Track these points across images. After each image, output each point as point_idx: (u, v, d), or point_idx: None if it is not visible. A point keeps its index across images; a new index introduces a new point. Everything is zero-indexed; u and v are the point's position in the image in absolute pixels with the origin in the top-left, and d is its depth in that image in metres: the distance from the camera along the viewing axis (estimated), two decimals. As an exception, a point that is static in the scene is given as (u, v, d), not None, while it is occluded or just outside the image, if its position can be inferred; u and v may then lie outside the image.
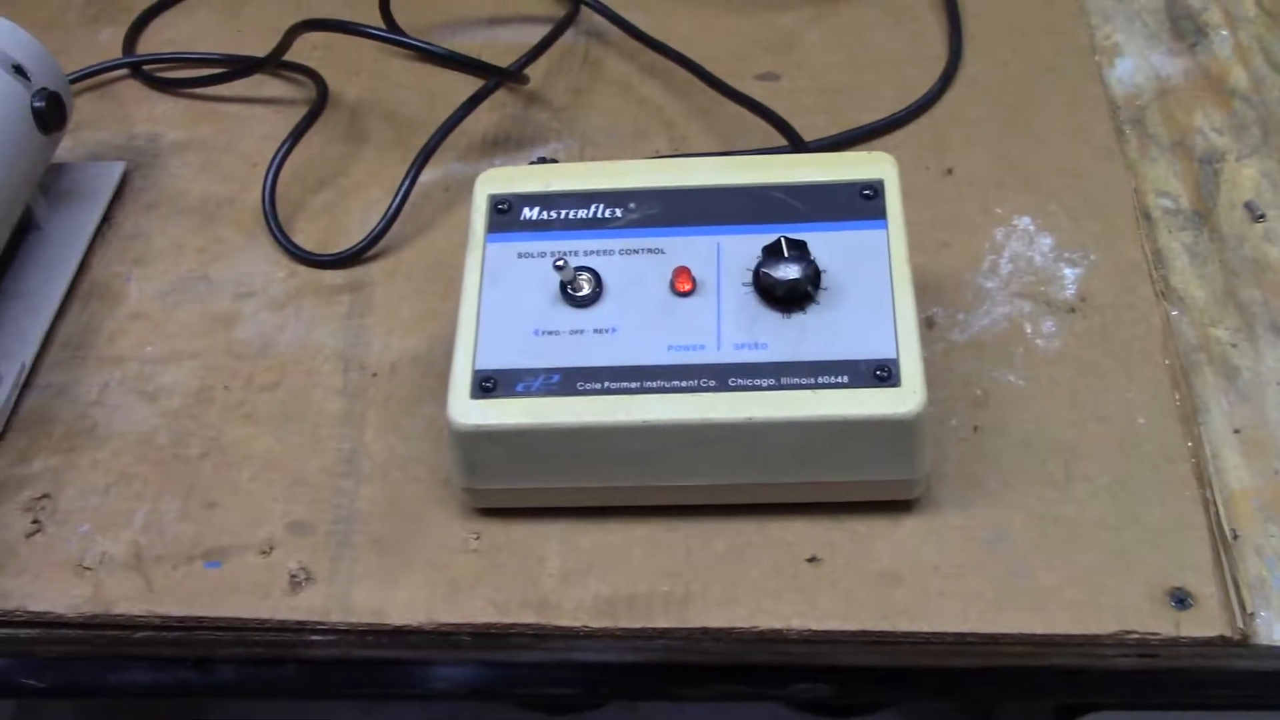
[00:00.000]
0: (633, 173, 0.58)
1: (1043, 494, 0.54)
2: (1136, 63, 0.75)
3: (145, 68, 0.81)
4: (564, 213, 0.57)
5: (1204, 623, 0.50)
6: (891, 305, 0.53)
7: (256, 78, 0.79)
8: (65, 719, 0.88)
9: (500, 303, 0.55)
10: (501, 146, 0.74)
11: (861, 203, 0.56)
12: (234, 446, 0.60)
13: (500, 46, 0.80)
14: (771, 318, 0.53)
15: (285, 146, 0.71)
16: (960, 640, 0.51)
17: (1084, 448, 0.56)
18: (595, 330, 0.54)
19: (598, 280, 0.55)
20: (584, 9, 0.79)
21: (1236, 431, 0.56)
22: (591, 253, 0.56)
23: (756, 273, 0.54)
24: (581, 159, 0.72)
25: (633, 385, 0.52)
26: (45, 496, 0.58)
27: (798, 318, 0.53)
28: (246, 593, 0.54)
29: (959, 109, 0.73)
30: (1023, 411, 0.58)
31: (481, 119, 0.74)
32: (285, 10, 0.85)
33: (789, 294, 0.53)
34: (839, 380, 0.51)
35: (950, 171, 0.69)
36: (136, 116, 0.79)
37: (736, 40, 0.80)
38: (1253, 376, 0.58)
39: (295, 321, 0.65)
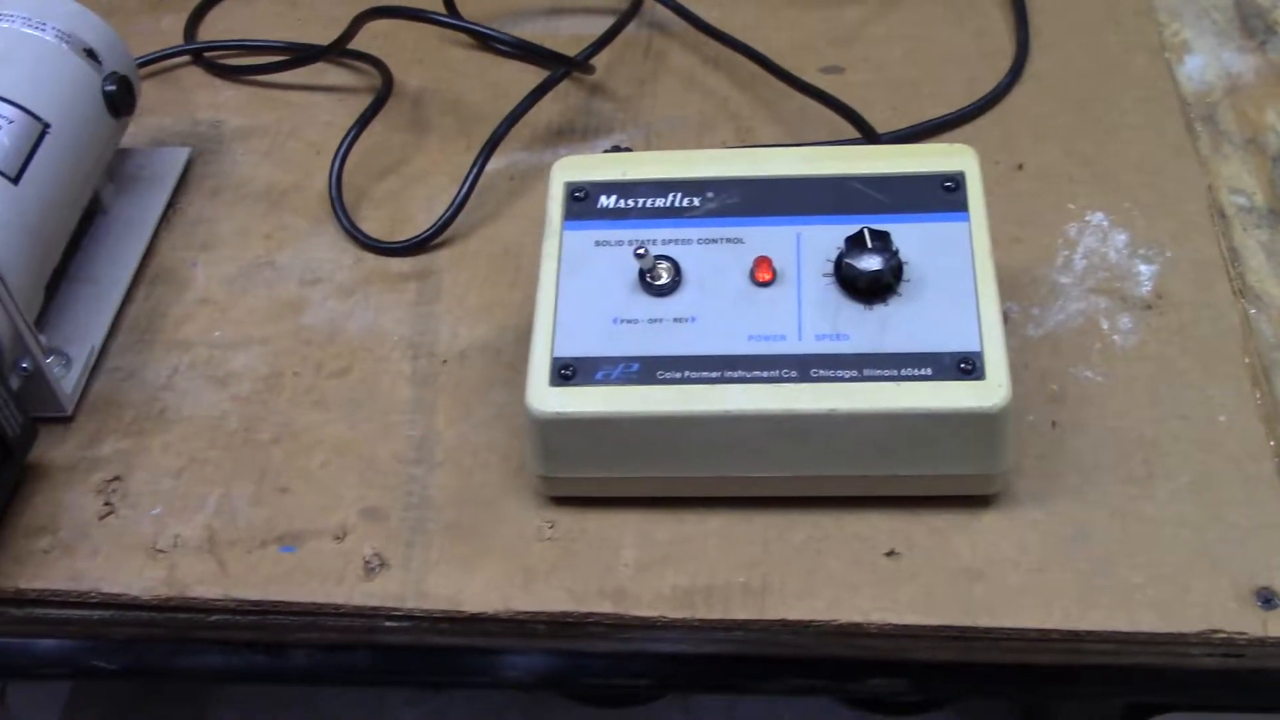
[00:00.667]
0: (710, 162, 0.58)
1: (1124, 491, 0.54)
2: (1206, 60, 0.74)
3: (207, 54, 0.81)
4: (641, 201, 0.56)
5: (1292, 622, 0.49)
6: (975, 297, 0.52)
7: (318, 65, 0.79)
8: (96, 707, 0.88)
9: (578, 290, 0.55)
10: (566, 136, 0.74)
11: (943, 195, 0.55)
12: (305, 432, 0.60)
13: (562, 38, 0.80)
14: (853, 309, 0.53)
15: (351, 134, 0.71)
16: (1043, 637, 0.50)
17: (1164, 445, 0.55)
18: (674, 319, 0.53)
19: (676, 269, 0.54)
20: (647, 0, 0.79)
21: (1319, 431, 0.55)
22: (670, 241, 0.55)
23: (838, 263, 0.53)
24: (647, 149, 0.72)
25: (713, 375, 0.52)
26: (116, 479, 0.58)
27: (879, 309, 0.53)
28: (321, 578, 0.54)
29: (1027, 104, 0.73)
30: (1101, 408, 0.57)
31: (545, 109, 0.74)
32: (339, 0, 0.85)
33: (871, 285, 0.52)
34: (922, 373, 0.51)
35: (1021, 167, 0.69)
36: (199, 103, 0.79)
37: (799, 32, 0.79)
38: (1334, 376, 0.58)
39: (363, 308, 0.65)
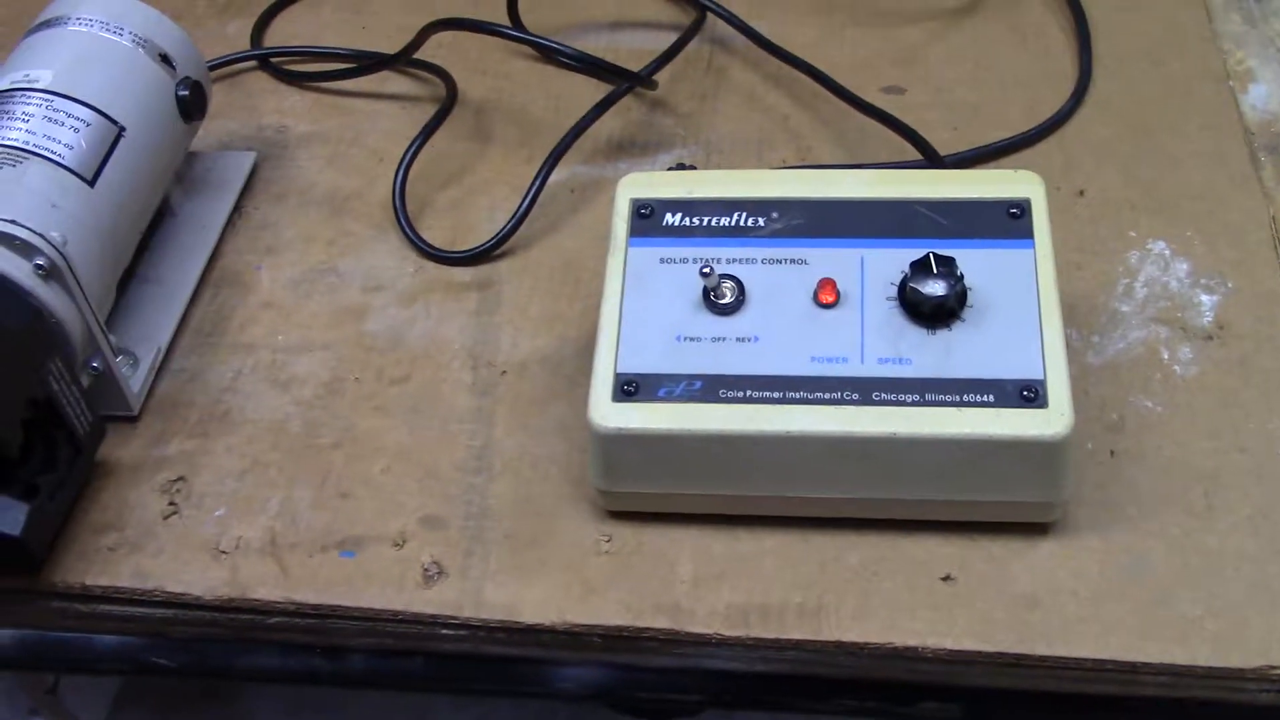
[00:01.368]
0: (775, 182, 0.58)
1: (1183, 522, 0.54)
2: (1271, 89, 0.74)
3: (273, 60, 0.82)
4: (706, 219, 0.57)
5: (1352, 661, 0.49)
6: (1039, 325, 0.53)
7: (381, 73, 0.80)
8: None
9: (642, 307, 0.55)
10: (626, 150, 0.74)
11: (1008, 221, 0.55)
12: (366, 438, 0.60)
13: (622, 51, 0.80)
14: (916, 333, 0.53)
15: (415, 144, 0.72)
16: (1099, 667, 0.50)
17: (1225, 477, 0.55)
18: (737, 338, 0.54)
19: (740, 288, 0.55)
20: (710, 16, 0.80)
21: (1382, 468, 0.55)
22: (734, 260, 0.56)
23: (902, 287, 0.53)
24: (707, 166, 0.72)
25: (775, 395, 0.52)
26: (181, 479, 0.59)
27: (943, 334, 0.53)
28: (381, 584, 0.55)
29: (1089, 130, 0.73)
30: (1161, 438, 0.57)
31: (606, 123, 0.74)
32: (409, 8, 0.86)
33: (935, 310, 0.53)
34: (985, 399, 0.51)
35: (1082, 193, 0.69)
36: (264, 108, 0.80)
37: (860, 52, 0.80)
38: (1398, 413, 0.57)
39: (424, 316, 0.66)
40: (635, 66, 0.75)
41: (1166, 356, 0.60)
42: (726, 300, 0.54)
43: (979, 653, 0.51)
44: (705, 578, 0.54)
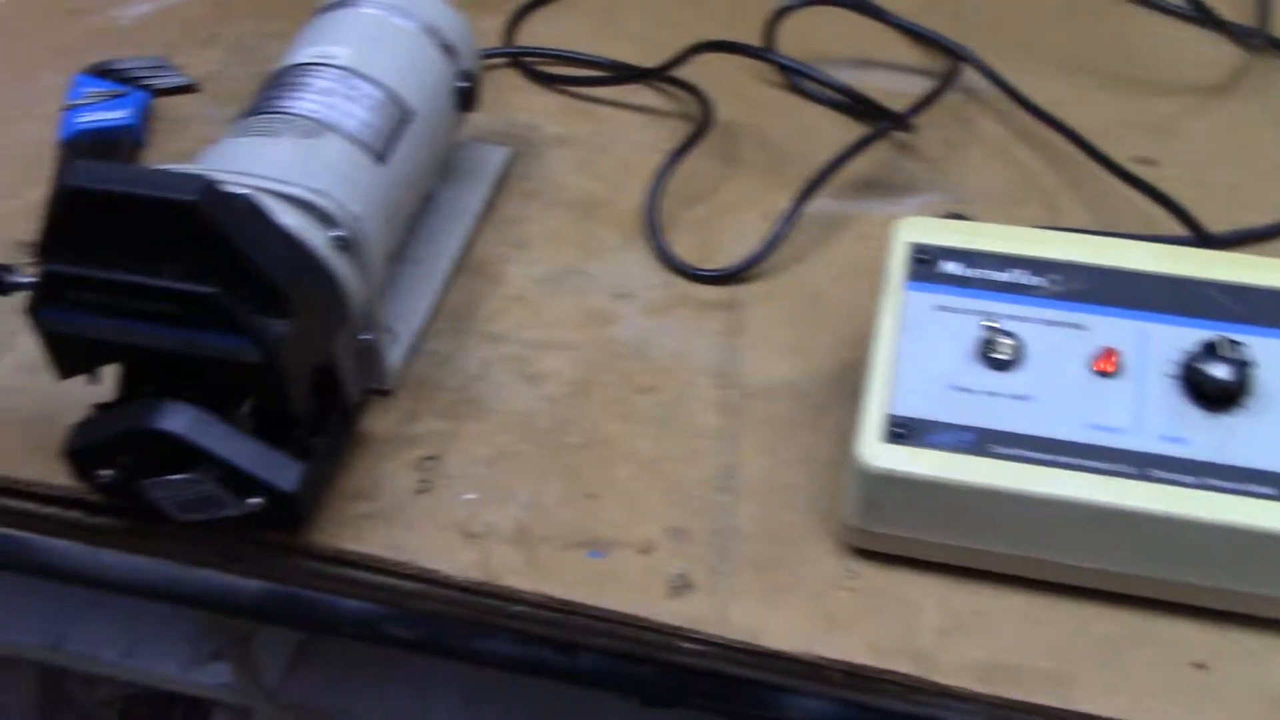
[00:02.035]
0: (1059, 244, 0.58)
1: None
2: None
3: (526, 59, 0.84)
4: (987, 273, 0.57)
5: None
6: (1329, 424, 0.52)
7: (632, 85, 0.82)
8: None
9: (916, 351, 0.55)
10: (873, 189, 0.75)
11: (1303, 314, 0.55)
12: (613, 442, 0.61)
13: (867, 89, 0.80)
14: (1196, 414, 0.53)
15: (671, 160, 0.73)
16: (1354, 777, 0.49)
17: None
18: (1012, 395, 0.54)
19: (1018, 346, 0.55)
20: (961, 64, 0.80)
21: None
22: (1013, 317, 0.56)
23: (1187, 366, 0.53)
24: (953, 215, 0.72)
25: (1047, 457, 0.52)
26: (432, 458, 0.61)
27: (1224, 419, 0.52)
28: (627, 588, 0.56)
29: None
30: None
31: (854, 158, 0.75)
32: (659, 21, 0.88)
33: (1220, 394, 0.52)
34: (1266, 491, 0.50)
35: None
36: (516, 105, 0.82)
37: (1111, 117, 0.79)
38: None
39: (671, 330, 0.67)
40: (897, 108, 0.75)
41: None
42: (1003, 356, 0.54)
43: (1230, 745, 0.50)
44: (950, 628, 0.54)
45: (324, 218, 0.56)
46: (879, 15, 0.81)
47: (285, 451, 0.54)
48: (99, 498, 0.59)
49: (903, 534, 0.55)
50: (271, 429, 0.55)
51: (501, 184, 0.75)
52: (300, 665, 0.90)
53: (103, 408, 0.57)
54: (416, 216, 0.69)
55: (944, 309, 0.56)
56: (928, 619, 0.54)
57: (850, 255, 0.70)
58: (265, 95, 0.62)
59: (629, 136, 0.79)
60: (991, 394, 0.54)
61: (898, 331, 0.56)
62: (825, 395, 0.63)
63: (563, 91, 0.83)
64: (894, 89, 0.80)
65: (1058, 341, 0.55)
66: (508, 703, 0.93)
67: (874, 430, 0.53)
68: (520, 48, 0.85)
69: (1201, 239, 0.67)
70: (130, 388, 0.56)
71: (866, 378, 0.56)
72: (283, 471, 0.54)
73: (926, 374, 0.55)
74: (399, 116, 0.64)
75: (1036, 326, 0.55)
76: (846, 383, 0.63)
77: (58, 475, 0.60)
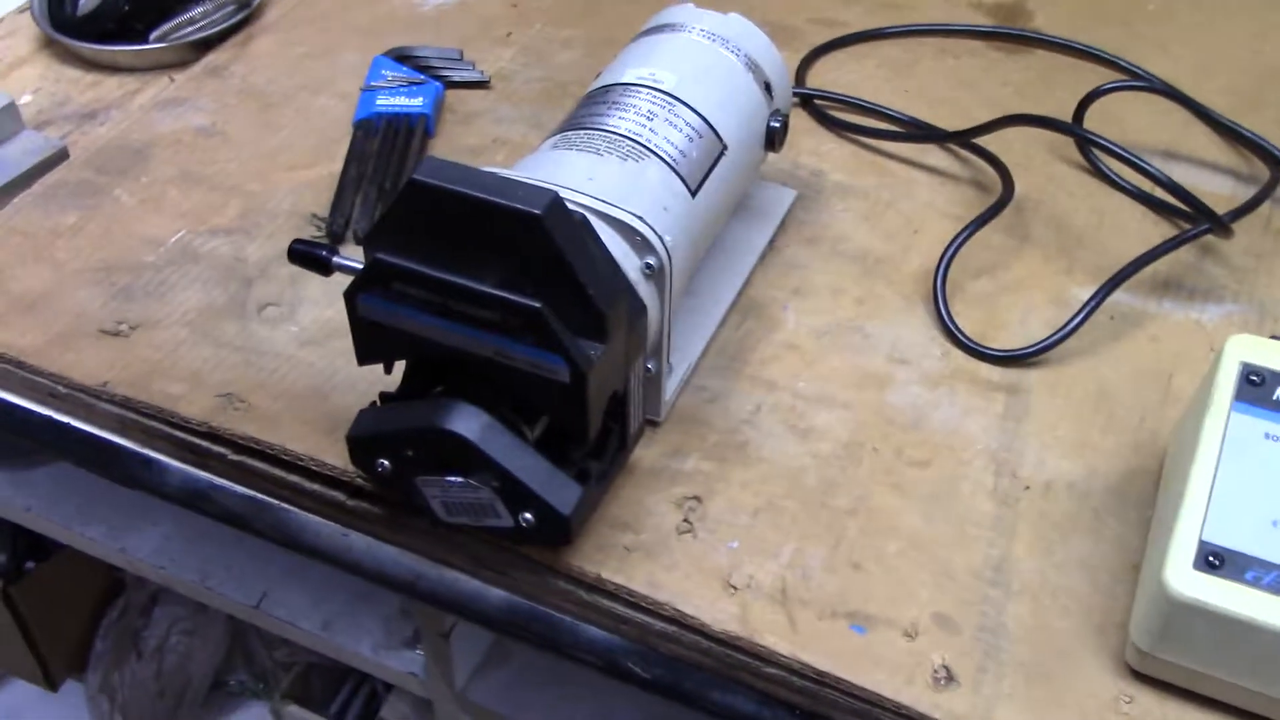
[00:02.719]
0: (1407, 387, 0.54)
1: None
2: None
3: (817, 102, 0.83)
4: (1325, 406, 0.53)
5: None
6: None
7: (927, 144, 0.80)
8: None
9: (1239, 478, 0.52)
10: (1172, 290, 0.71)
11: None
12: (881, 513, 0.59)
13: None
14: None
15: (967, 232, 0.71)
16: None
17: None
18: (1341, 543, 0.50)
19: (1353, 490, 0.51)
20: (1282, 173, 0.76)
21: None
22: (1350, 459, 0.52)
23: None
24: (1260, 330, 0.69)
25: (1374, 616, 0.48)
26: (696, 499, 0.60)
27: None
28: (889, 671, 0.53)
29: None
30: None
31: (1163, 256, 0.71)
32: (955, 82, 0.86)
33: None
34: None
35: None
36: (801, 147, 0.80)
37: None
38: None
39: (948, 404, 0.65)
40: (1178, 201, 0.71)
41: None
42: (1339, 499, 0.51)
43: None
44: (1234, 778, 0.50)
45: (641, 244, 0.56)
46: (1197, 109, 0.78)
47: (564, 472, 0.54)
48: (366, 483, 0.60)
49: (1194, 667, 0.51)
50: (553, 445, 0.55)
51: (782, 226, 0.74)
52: (489, 668, 0.90)
53: (387, 398, 0.57)
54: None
55: (1274, 438, 0.53)
56: (1209, 763, 0.51)
57: (1143, 356, 0.67)
58: (586, 110, 0.62)
59: (918, 196, 0.77)
60: (1319, 538, 0.50)
61: (1219, 454, 0.53)
62: (1108, 500, 0.60)
63: (852, 140, 0.81)
64: (1198, 186, 0.76)
65: (1397, 493, 0.51)
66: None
67: (1185, 555, 0.50)
68: (814, 90, 0.84)
69: None
70: (415, 383, 0.56)
71: (1176, 497, 0.52)
72: (563, 492, 0.53)
73: (1249, 504, 0.51)
74: (715, 150, 0.63)
75: (1375, 473, 0.52)
76: (1131, 491, 0.61)
77: (326, 453, 0.61)
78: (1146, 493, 0.60)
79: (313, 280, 0.69)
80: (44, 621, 1.18)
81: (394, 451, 0.55)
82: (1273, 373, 0.55)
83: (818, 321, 0.69)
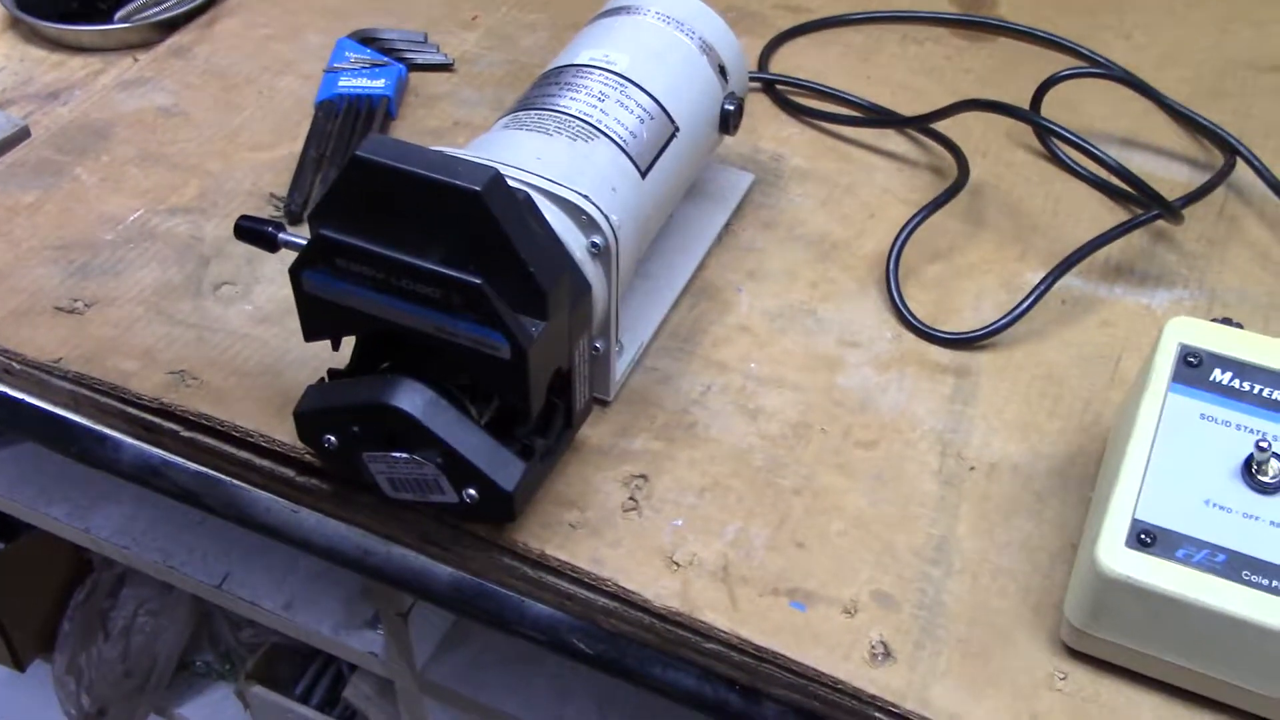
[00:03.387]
0: (1346, 370, 0.55)
1: None
2: None
3: (779, 87, 0.83)
4: (1261, 388, 0.54)
5: None
6: None
7: (884, 129, 0.80)
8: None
9: (1172, 458, 0.53)
10: (1123, 275, 0.72)
11: None
12: (827, 493, 0.60)
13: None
14: None
15: (921, 216, 0.71)
16: None
17: None
18: (1272, 522, 0.51)
19: (1286, 470, 0.52)
20: (1235, 159, 0.76)
21: None
22: (1283, 440, 0.52)
23: None
24: (1209, 315, 0.69)
25: (1304, 595, 0.49)
26: (642, 477, 0.60)
27: None
28: (827, 647, 0.54)
29: None
30: None
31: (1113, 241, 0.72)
32: (916, 69, 0.86)
33: None
34: None
35: None
36: (762, 132, 0.81)
37: (1386, 240, 0.75)
38: None
39: (897, 387, 0.65)
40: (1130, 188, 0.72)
41: None
42: (1271, 479, 0.51)
43: None
44: (1165, 754, 0.51)
45: (587, 223, 0.56)
46: (1155, 97, 0.78)
47: (509, 448, 0.54)
48: (315, 460, 0.60)
49: (1126, 644, 0.52)
50: (497, 423, 0.55)
51: (739, 209, 0.74)
52: (448, 648, 0.90)
53: (335, 375, 0.57)
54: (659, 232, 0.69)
55: (1209, 418, 0.54)
56: (1140, 738, 0.51)
57: (1092, 340, 0.68)
58: (539, 90, 0.62)
59: (876, 181, 0.77)
60: (1252, 517, 0.51)
61: (1154, 433, 0.53)
62: (1050, 482, 0.60)
63: (812, 125, 0.81)
64: (1154, 173, 0.77)
65: (1329, 473, 0.52)
66: (640, 717, 0.92)
67: (1117, 532, 0.51)
68: (776, 75, 0.84)
69: None
70: (364, 360, 0.57)
71: (1112, 475, 0.53)
72: (506, 468, 0.54)
73: (1182, 484, 0.52)
74: (666, 132, 0.63)
75: (1311, 455, 0.52)
76: (1073, 473, 0.61)
77: (276, 430, 0.61)
78: (1088, 474, 0.61)
79: (269, 260, 0.70)
80: (11, 602, 1.19)
81: (340, 427, 0.55)
82: (1210, 354, 0.55)
83: (771, 304, 0.69)
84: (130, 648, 1.18)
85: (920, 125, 0.77)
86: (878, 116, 0.79)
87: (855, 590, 0.56)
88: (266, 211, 0.74)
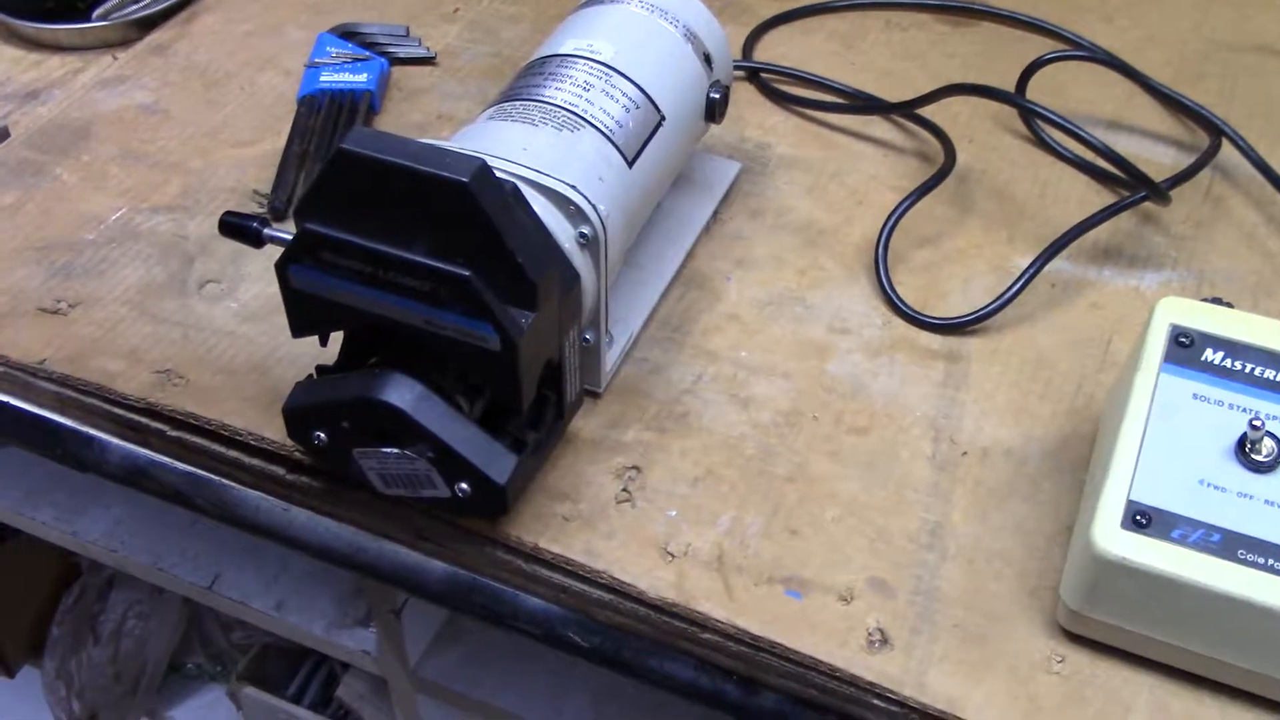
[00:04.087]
0: (1337, 348, 0.55)
1: None
2: None
3: (764, 75, 0.83)
4: (1252, 367, 0.54)
5: None
6: None
7: (870, 115, 0.80)
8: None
9: (1166, 438, 0.53)
10: (1112, 258, 0.72)
11: None
12: (820, 480, 0.60)
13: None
14: None
15: (909, 201, 0.71)
16: None
17: None
18: (1267, 500, 0.51)
19: (1280, 449, 0.52)
20: (1221, 141, 0.76)
21: None
22: (1277, 418, 0.52)
23: None
24: (1196, 296, 0.69)
25: (1299, 573, 0.49)
26: (635, 469, 0.60)
27: None
28: (824, 635, 0.54)
29: None
30: None
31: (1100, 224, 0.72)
32: (901, 54, 0.86)
33: None
34: None
35: None
36: (748, 120, 0.80)
37: (1372, 218, 0.75)
38: None
39: (888, 373, 0.65)
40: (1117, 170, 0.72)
41: None
42: (1264, 458, 0.51)
43: None
44: (1163, 734, 0.51)
45: (575, 213, 0.56)
46: (1140, 80, 0.78)
47: (500, 441, 0.54)
48: (305, 457, 0.60)
49: (1123, 625, 0.52)
50: (488, 416, 0.55)
51: (726, 198, 0.74)
52: (441, 645, 0.90)
53: (324, 371, 0.57)
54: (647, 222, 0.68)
55: (1201, 398, 0.54)
56: (1138, 718, 0.51)
57: (1081, 323, 0.68)
58: (524, 81, 0.62)
59: (862, 168, 0.77)
60: (1246, 496, 0.51)
61: (1147, 414, 0.53)
62: (1043, 465, 0.60)
63: (798, 113, 0.81)
64: (1140, 156, 0.77)
65: (1322, 450, 0.52)
66: (636, 711, 0.92)
67: (1112, 514, 0.51)
68: (761, 63, 0.84)
69: None
70: (352, 356, 0.56)
71: (1106, 457, 0.53)
72: (497, 462, 0.53)
73: (1175, 464, 0.52)
74: (652, 122, 0.63)
75: (1304, 433, 0.52)
76: (1066, 455, 0.61)
77: (265, 428, 0.61)
78: (1081, 457, 0.60)
79: (254, 257, 0.69)
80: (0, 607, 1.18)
81: (330, 423, 0.55)
82: (1201, 334, 0.55)
83: (760, 293, 0.69)
84: (120, 651, 1.17)
85: (906, 111, 0.76)
86: (863, 103, 0.79)
87: (851, 577, 0.56)
88: (250, 208, 0.73)
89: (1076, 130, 0.68)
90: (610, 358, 0.63)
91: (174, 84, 0.83)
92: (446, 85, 0.83)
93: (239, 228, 0.56)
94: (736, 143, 0.79)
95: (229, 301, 0.68)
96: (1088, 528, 0.51)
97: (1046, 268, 0.69)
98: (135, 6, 0.88)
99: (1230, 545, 0.50)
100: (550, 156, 0.56)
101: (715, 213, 0.73)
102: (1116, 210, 0.70)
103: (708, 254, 0.71)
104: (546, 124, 0.58)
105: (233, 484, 0.63)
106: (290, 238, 0.52)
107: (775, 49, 0.87)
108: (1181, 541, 0.50)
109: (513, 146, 0.56)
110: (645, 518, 0.58)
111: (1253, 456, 0.51)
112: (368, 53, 0.82)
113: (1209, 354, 0.55)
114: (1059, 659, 0.53)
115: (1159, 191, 0.69)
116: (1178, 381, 0.54)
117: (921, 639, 0.54)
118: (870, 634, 0.54)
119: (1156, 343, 0.55)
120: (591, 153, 0.59)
